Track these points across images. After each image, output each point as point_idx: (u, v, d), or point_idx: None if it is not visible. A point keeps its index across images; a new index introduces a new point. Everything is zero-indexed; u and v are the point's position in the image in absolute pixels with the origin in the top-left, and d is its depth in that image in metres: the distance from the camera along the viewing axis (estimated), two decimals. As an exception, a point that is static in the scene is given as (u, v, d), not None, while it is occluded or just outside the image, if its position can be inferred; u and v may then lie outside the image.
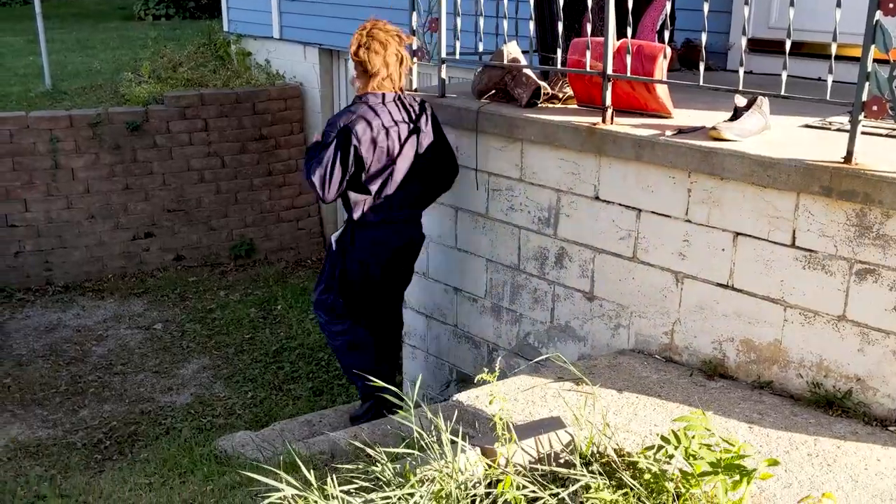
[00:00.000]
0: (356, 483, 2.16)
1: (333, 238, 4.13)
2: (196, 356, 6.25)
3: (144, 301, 7.23)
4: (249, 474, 2.36)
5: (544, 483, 2.16)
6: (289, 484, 2.10)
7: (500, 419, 2.30)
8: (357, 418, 4.43)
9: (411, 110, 3.95)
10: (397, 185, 3.93)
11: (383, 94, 3.87)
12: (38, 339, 6.47)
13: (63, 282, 7.47)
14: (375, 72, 3.83)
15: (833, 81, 2.84)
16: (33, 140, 7.19)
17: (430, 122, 4.00)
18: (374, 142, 3.80)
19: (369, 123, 3.79)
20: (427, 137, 3.97)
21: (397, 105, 3.91)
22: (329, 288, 4.21)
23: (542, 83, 3.86)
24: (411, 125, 3.91)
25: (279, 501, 2.08)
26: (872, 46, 2.66)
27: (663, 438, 2.19)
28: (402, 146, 3.89)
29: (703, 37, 3.15)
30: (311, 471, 2.16)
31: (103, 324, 6.77)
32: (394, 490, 2.10)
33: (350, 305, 4.20)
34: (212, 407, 5.53)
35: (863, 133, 2.83)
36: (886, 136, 3.18)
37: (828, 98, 2.84)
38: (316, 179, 3.81)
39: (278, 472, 2.21)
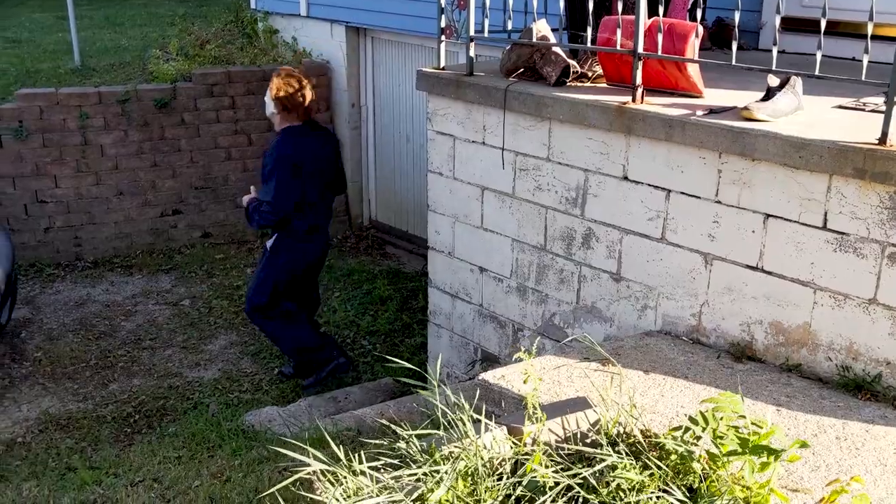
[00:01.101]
0: (383, 459, 2.18)
1: (268, 244, 5.17)
2: (223, 332, 6.31)
3: (172, 277, 7.30)
4: (277, 449, 2.39)
5: (570, 463, 2.17)
6: (317, 459, 2.12)
7: (531, 397, 2.30)
8: (311, 386, 5.35)
9: (324, 136, 5.25)
10: (318, 198, 5.09)
11: (298, 126, 5.04)
12: (69, 313, 6.56)
13: (92, 257, 7.56)
14: (293, 107, 5.00)
15: (868, 61, 2.80)
16: (63, 116, 7.25)
17: (332, 145, 5.33)
18: (304, 163, 4.89)
19: (300, 147, 4.93)
20: (331, 157, 5.26)
21: (313, 131, 5.11)
22: (261, 291, 5.16)
23: (572, 62, 3.83)
24: (324, 147, 5.17)
25: (308, 476, 2.10)
26: (910, 25, 2.61)
27: (691, 419, 2.19)
28: (319, 165, 5.05)
29: (736, 15, 3.11)
30: (340, 447, 2.18)
31: (132, 299, 6.85)
32: (420, 467, 2.11)
33: (278, 293, 5.21)
34: (239, 382, 5.59)
35: (898, 114, 2.79)
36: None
37: (863, 78, 2.80)
38: (276, 201, 4.85)
39: (306, 447, 2.23)
